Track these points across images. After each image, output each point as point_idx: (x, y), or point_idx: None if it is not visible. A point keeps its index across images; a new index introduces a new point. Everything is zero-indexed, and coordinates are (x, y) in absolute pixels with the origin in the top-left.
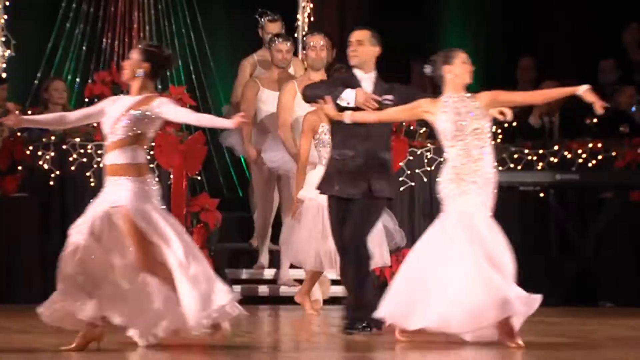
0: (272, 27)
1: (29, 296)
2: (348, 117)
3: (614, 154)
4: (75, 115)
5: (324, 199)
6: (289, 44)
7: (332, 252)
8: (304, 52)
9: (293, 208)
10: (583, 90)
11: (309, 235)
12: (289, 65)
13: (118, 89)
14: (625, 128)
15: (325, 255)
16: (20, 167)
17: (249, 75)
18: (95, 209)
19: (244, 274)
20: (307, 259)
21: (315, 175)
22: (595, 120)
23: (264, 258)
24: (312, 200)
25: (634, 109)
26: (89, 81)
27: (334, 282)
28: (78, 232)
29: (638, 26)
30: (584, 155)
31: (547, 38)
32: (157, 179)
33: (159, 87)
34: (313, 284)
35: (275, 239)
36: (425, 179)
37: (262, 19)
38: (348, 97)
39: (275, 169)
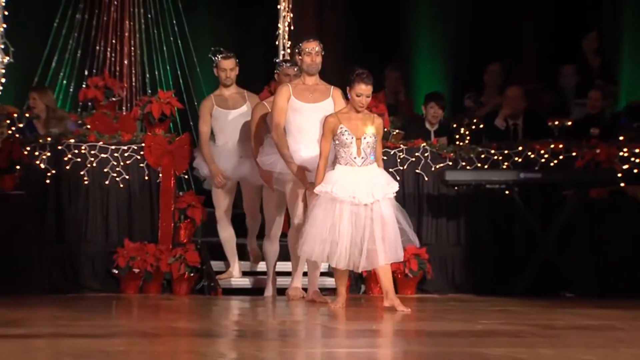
0: (226, 63)
1: (26, 287)
2: None
3: (574, 154)
4: None
5: (340, 195)
6: (296, 69)
7: (339, 246)
8: (300, 57)
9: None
10: None
11: (319, 229)
12: None
13: (110, 93)
14: (595, 130)
15: (332, 248)
16: (18, 166)
17: (209, 116)
18: None
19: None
20: (316, 251)
21: (335, 174)
22: (557, 122)
23: (270, 288)
24: (327, 194)
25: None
26: (83, 86)
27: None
28: None
29: (596, 35)
30: (546, 156)
31: (513, 44)
32: (146, 177)
33: (149, 91)
34: (342, 280)
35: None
36: (398, 178)
37: (217, 57)
38: None
39: (269, 170)
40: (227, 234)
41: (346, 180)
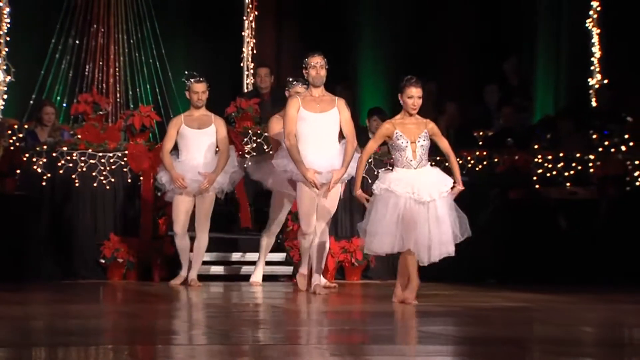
0: (198, 86)
1: (25, 275)
2: None
3: (496, 160)
4: None
5: (399, 191)
6: (304, 86)
7: (406, 234)
8: (306, 71)
9: (359, 200)
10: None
11: (387, 223)
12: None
13: (98, 107)
14: (511, 140)
15: (400, 239)
16: (18, 171)
17: (175, 133)
18: None
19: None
20: (386, 244)
21: (393, 174)
22: (481, 133)
23: (260, 274)
24: (386, 191)
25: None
26: (74, 101)
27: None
28: None
29: (515, 58)
30: (472, 161)
31: (445, 66)
32: (129, 180)
33: (131, 105)
34: (412, 269)
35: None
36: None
37: (190, 81)
38: None
39: (287, 175)
40: (183, 243)
41: (404, 179)
